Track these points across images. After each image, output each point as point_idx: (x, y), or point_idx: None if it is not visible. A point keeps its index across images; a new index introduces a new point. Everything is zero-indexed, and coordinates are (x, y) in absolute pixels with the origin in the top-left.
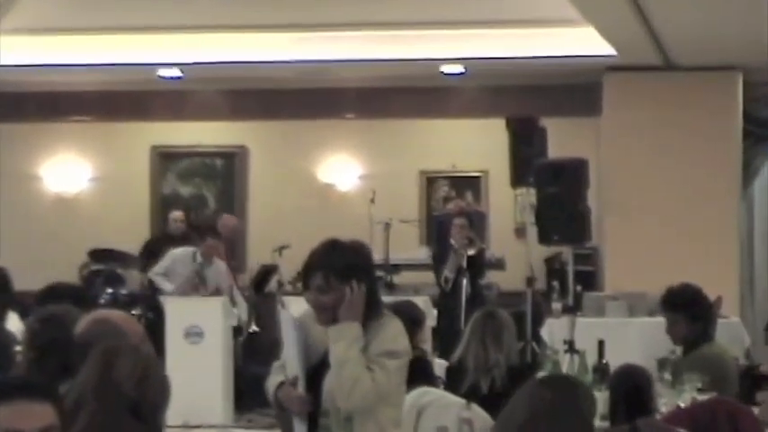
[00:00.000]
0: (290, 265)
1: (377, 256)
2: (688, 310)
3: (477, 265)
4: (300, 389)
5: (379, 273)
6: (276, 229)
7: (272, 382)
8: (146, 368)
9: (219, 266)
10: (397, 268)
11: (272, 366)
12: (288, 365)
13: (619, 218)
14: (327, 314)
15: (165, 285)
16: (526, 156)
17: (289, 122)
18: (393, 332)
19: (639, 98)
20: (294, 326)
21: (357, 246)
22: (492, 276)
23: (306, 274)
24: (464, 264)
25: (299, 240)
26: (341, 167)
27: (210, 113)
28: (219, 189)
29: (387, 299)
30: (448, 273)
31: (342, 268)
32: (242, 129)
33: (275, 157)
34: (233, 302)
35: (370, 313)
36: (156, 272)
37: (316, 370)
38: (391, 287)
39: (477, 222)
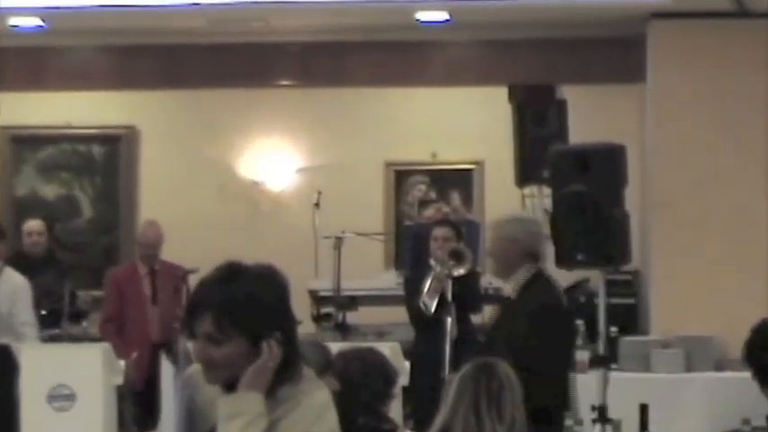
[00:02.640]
0: None
1: (324, 284)
2: (751, 364)
3: (468, 295)
4: None
5: (328, 309)
6: (179, 247)
7: None
8: None
9: (12, 279)
10: (352, 301)
11: None
12: None
13: (671, 228)
14: (220, 373)
15: None
16: (538, 140)
17: (197, 93)
18: (314, 407)
19: (699, 57)
20: (178, 383)
21: (267, 274)
22: (489, 313)
23: (190, 315)
24: (449, 293)
25: (211, 263)
26: (273, 158)
27: (85, 80)
28: (98, 188)
29: (339, 345)
30: (426, 298)
31: (243, 309)
32: (130, 102)
33: (178, 143)
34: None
35: (284, 376)
36: None
37: None
38: (344, 329)
39: (467, 235)
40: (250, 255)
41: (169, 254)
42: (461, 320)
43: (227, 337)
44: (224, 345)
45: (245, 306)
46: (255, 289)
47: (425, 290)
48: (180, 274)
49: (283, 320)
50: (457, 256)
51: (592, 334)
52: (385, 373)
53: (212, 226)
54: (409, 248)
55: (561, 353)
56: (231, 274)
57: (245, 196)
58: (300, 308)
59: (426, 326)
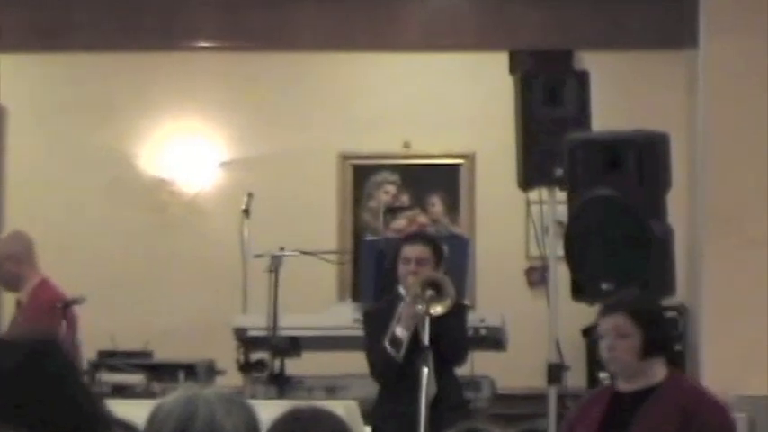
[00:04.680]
0: (84, 337)
1: (255, 321)
2: None
3: (449, 339)
4: None
5: (260, 354)
6: (57, 267)
7: None
8: None
9: None
10: (294, 344)
11: None
12: None
13: (729, 249)
14: None
15: None
16: (550, 126)
17: (84, 58)
18: None
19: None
20: None
21: (36, 347)
22: (481, 362)
23: None
24: (425, 335)
25: (101, 289)
26: (187, 147)
27: None
28: None
29: (276, 405)
30: (400, 330)
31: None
32: None
33: (56, 126)
34: None
35: None
36: None
37: None
38: (282, 381)
39: (452, 254)
40: (153, 279)
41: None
42: (441, 372)
43: None
44: None
45: (8, 387)
46: (22, 366)
47: (393, 327)
48: (56, 306)
49: (62, 408)
50: (435, 289)
51: None
52: None
53: (102, 238)
54: (372, 272)
55: None
56: None
57: (149, 198)
58: (222, 352)
59: (394, 379)
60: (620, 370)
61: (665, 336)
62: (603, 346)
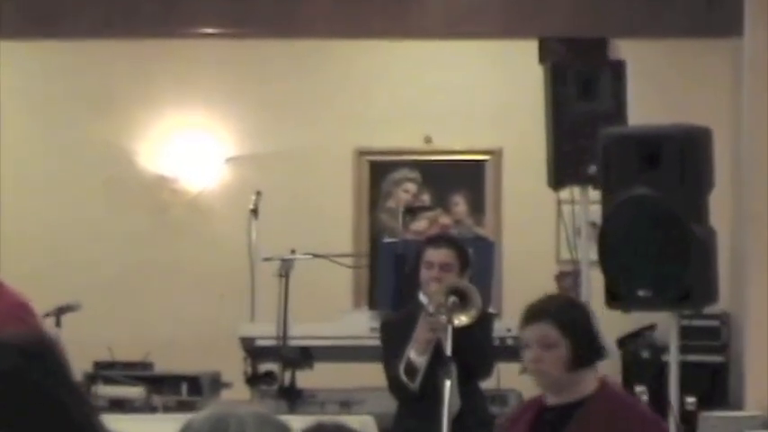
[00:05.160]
0: (79, 347)
1: (264, 329)
2: None
3: (474, 350)
4: None
5: (269, 366)
6: (50, 271)
7: None
8: None
9: None
10: (306, 355)
11: None
12: None
13: None
14: None
15: None
16: (582, 120)
17: (79, 46)
18: None
19: None
20: None
21: (31, 348)
22: (507, 375)
23: None
24: (447, 346)
25: (100, 294)
26: (190, 141)
27: None
28: None
29: (286, 420)
30: (415, 355)
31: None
32: None
33: (49, 119)
34: None
35: None
36: None
37: None
38: (293, 395)
39: (477, 258)
40: (154, 284)
41: (37, 280)
42: (465, 385)
43: None
44: None
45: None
46: (17, 367)
47: (408, 352)
48: (20, 315)
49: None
50: (460, 296)
51: (660, 406)
52: None
53: (99, 240)
54: (390, 278)
55: None
56: None
57: (149, 198)
58: (228, 364)
59: (413, 395)
60: (549, 384)
61: (595, 345)
62: (528, 357)
